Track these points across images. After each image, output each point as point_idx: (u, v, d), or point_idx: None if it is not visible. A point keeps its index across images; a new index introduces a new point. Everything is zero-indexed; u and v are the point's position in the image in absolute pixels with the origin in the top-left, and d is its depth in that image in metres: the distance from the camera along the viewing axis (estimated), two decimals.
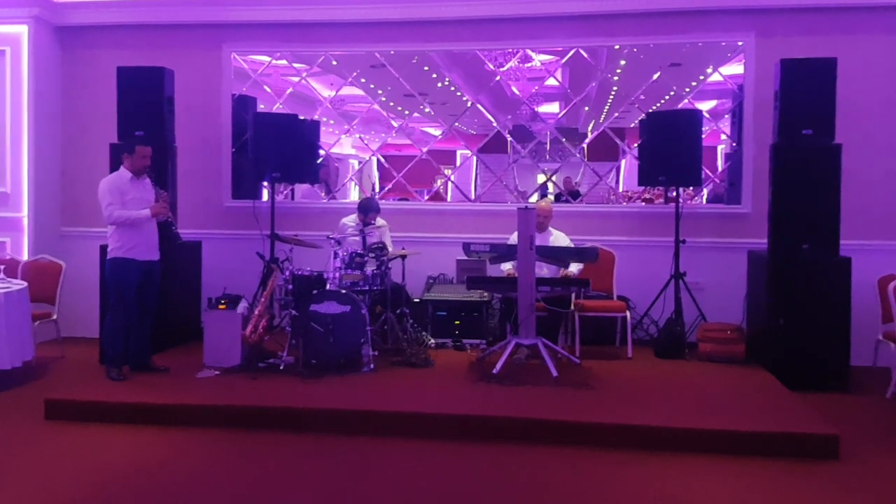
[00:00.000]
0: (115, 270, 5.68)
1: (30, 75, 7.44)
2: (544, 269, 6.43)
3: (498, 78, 7.89)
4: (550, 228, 6.63)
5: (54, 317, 6.77)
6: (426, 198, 9.22)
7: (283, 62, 7.99)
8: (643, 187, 8.67)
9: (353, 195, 9.12)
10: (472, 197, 9.49)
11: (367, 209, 6.87)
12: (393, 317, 6.44)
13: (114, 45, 7.70)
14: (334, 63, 7.90)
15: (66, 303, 6.96)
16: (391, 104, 8.59)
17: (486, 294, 6.79)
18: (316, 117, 7.91)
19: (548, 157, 10.54)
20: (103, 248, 6.52)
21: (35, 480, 4.06)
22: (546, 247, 6.28)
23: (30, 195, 7.46)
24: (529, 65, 8.19)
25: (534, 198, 8.35)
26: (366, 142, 8.37)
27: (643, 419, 4.72)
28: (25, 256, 7.31)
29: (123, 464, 4.28)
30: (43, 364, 6.49)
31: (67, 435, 4.78)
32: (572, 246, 6.55)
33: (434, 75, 8.54)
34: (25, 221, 7.47)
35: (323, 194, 8.17)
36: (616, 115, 8.29)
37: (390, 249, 6.58)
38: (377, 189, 9.46)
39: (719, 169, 8.13)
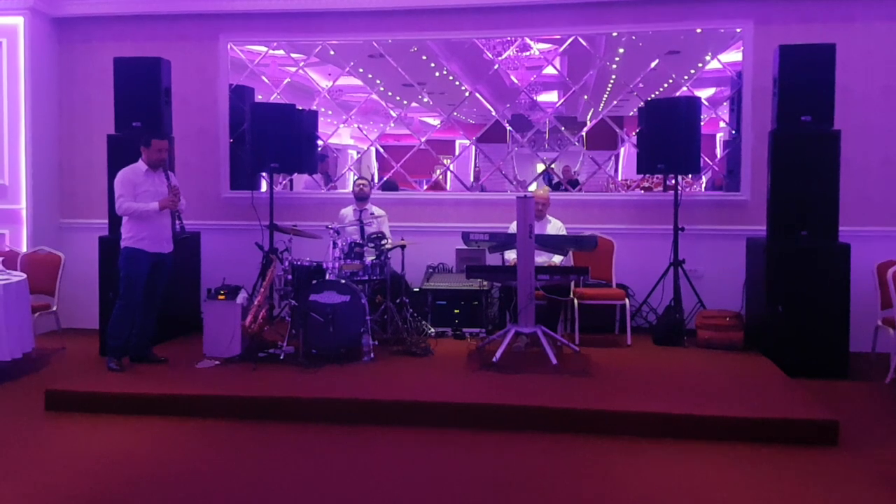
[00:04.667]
0: (124, 260, 5.70)
1: (26, 67, 7.42)
2: (542, 257, 6.44)
3: (496, 67, 7.87)
4: (549, 217, 6.64)
5: (54, 308, 6.77)
6: (425, 187, 9.21)
7: (281, 52, 7.97)
8: (642, 175, 8.66)
9: (352, 186, 9.10)
10: (471, 185, 9.47)
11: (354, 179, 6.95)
12: (393, 306, 6.45)
13: (110, 37, 7.68)
14: (332, 53, 7.88)
15: (65, 294, 6.97)
16: (389, 94, 8.57)
17: (485, 283, 6.80)
18: (314, 107, 7.89)
19: (546, 146, 10.52)
20: (102, 240, 6.54)
21: (35, 471, 4.07)
22: (545, 235, 6.29)
23: (28, 187, 7.45)
24: (528, 53, 8.16)
25: (533, 186, 8.34)
26: (364, 132, 8.35)
27: (642, 406, 4.73)
28: (24, 248, 7.30)
29: (124, 454, 4.29)
30: (43, 355, 6.51)
31: (68, 426, 4.80)
32: (566, 234, 6.56)
33: (432, 64, 8.51)
34: (24, 213, 7.46)
35: (322, 184, 8.16)
36: (615, 103, 8.26)
37: (389, 239, 6.58)
38: (376, 179, 9.45)
39: (718, 156, 8.12)
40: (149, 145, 5.73)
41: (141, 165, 5.75)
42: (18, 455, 4.32)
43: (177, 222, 5.76)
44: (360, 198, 6.97)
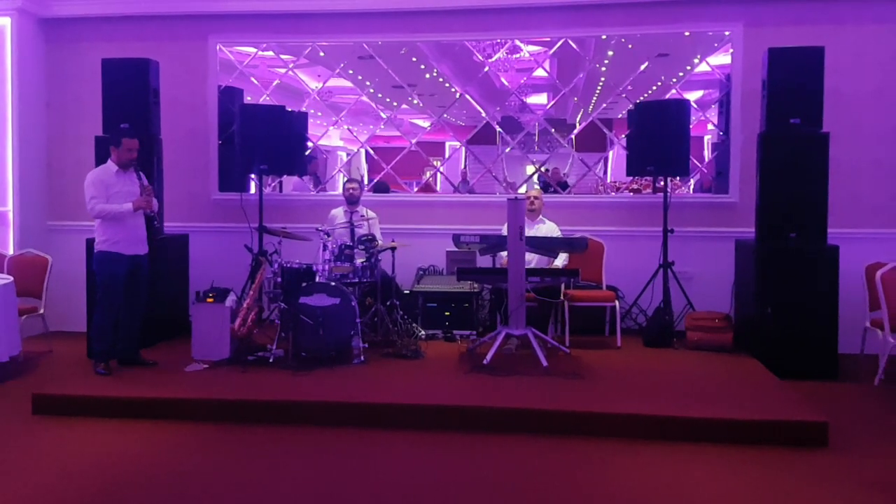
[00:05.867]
0: (101, 264, 5.64)
1: (14, 68, 7.36)
2: (534, 260, 6.44)
3: (486, 69, 7.87)
4: (542, 218, 6.64)
5: (41, 311, 6.72)
6: (415, 189, 9.20)
7: (270, 53, 7.94)
8: (631, 177, 8.68)
9: (342, 188, 9.09)
10: (456, 186, 9.46)
11: (343, 182, 6.95)
12: (383, 308, 6.43)
13: (99, 37, 7.64)
14: (322, 54, 7.85)
15: (52, 297, 6.91)
16: (379, 95, 8.55)
17: (476, 285, 6.79)
18: (303, 109, 7.86)
19: (536, 147, 10.52)
20: (90, 242, 6.46)
21: (22, 475, 4.03)
22: (536, 237, 6.29)
23: (15, 189, 7.39)
24: (518, 56, 8.17)
25: (523, 188, 8.34)
26: (354, 134, 8.33)
27: (633, 408, 4.73)
28: (11, 251, 7.25)
29: (112, 458, 4.26)
30: (30, 359, 6.45)
31: (55, 430, 4.75)
32: (561, 236, 6.56)
33: (422, 66, 8.50)
34: (11, 215, 7.40)
35: (312, 186, 8.14)
36: (604, 105, 8.29)
37: (380, 241, 6.56)
38: (366, 181, 9.43)
39: (706, 159, 8.14)
40: (119, 145, 5.63)
41: (111, 166, 5.66)
42: (5, 459, 4.28)
43: (155, 224, 5.69)
44: (351, 201, 6.94)
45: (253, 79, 7.97)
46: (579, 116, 8.69)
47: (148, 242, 5.87)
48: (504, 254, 6.49)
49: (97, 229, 5.67)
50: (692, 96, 7.60)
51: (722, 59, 7.31)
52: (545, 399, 4.91)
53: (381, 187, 8.22)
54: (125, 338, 5.77)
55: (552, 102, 8.14)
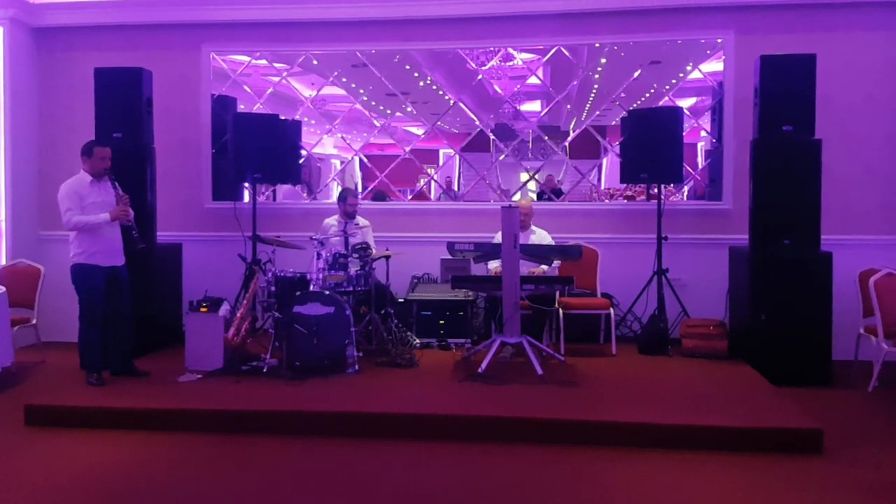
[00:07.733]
0: (78, 277, 5.57)
1: (6, 77, 7.33)
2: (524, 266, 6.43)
3: (480, 77, 7.88)
4: (533, 227, 6.64)
5: (33, 322, 6.68)
6: (409, 197, 9.19)
7: (263, 62, 7.94)
8: (625, 185, 8.69)
9: (336, 196, 9.08)
10: (456, 193, 9.46)
11: (344, 196, 6.90)
12: (377, 317, 6.41)
13: (91, 46, 7.62)
14: (315, 63, 7.86)
15: (45, 307, 6.87)
16: (373, 103, 8.56)
17: (470, 293, 6.78)
18: (297, 117, 7.86)
19: (530, 155, 10.54)
20: None
21: (15, 487, 4.00)
22: (530, 245, 6.29)
23: (7, 198, 7.36)
24: (511, 63, 8.19)
25: (517, 196, 8.35)
26: (348, 142, 8.33)
27: (628, 416, 4.73)
28: (3, 261, 7.21)
29: (105, 470, 4.23)
30: (22, 370, 6.41)
31: (48, 441, 4.71)
32: (554, 244, 6.56)
33: (416, 74, 8.51)
34: (3, 225, 7.36)
35: (305, 195, 8.13)
36: (597, 113, 8.31)
37: (374, 250, 6.55)
38: (360, 188, 9.42)
39: (699, 166, 8.16)
40: (91, 154, 5.55)
41: (85, 176, 5.57)
42: None
43: (133, 234, 5.56)
44: (351, 216, 6.90)
45: (246, 87, 7.97)
46: (573, 124, 8.71)
47: (125, 253, 5.78)
48: (491, 263, 6.49)
49: (72, 242, 5.58)
50: (685, 103, 7.64)
51: (714, 66, 7.34)
52: (540, 407, 4.90)
53: (379, 196, 8.22)
54: (115, 348, 5.73)
55: (546, 110, 8.16)
